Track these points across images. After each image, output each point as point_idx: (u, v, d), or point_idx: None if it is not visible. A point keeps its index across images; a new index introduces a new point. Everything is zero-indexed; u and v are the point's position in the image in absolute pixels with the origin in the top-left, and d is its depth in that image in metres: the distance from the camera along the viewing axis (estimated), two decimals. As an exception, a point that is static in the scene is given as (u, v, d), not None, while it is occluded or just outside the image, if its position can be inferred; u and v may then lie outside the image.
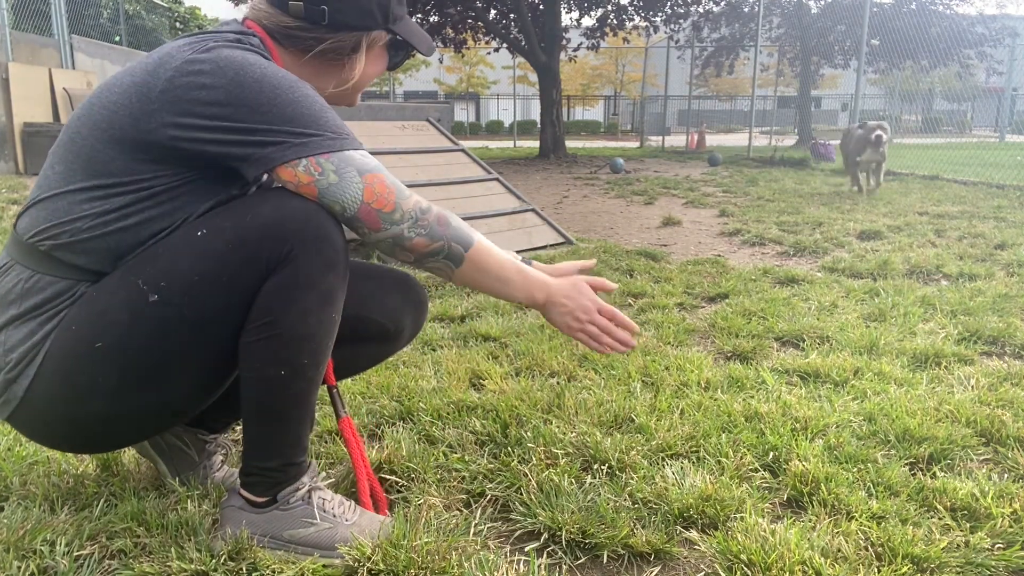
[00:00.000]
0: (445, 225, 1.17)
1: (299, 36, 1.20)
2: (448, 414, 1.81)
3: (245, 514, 1.20)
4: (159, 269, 1.07)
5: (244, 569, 1.15)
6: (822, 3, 18.26)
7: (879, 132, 6.76)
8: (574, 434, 1.67)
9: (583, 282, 1.27)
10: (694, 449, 1.62)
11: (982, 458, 1.62)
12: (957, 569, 1.20)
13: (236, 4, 14.10)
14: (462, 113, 36.40)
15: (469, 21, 15.86)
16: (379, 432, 1.75)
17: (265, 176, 1.15)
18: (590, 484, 1.46)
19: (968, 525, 1.32)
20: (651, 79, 24.24)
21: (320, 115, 1.10)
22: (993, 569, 1.21)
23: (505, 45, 16.02)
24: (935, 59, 12.69)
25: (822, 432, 1.71)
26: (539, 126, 16.28)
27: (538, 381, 2.06)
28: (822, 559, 1.19)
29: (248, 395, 1.14)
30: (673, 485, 1.43)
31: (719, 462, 1.55)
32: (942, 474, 1.52)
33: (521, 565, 1.23)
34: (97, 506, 1.33)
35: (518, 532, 1.33)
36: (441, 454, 1.58)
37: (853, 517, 1.34)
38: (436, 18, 15.39)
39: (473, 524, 1.32)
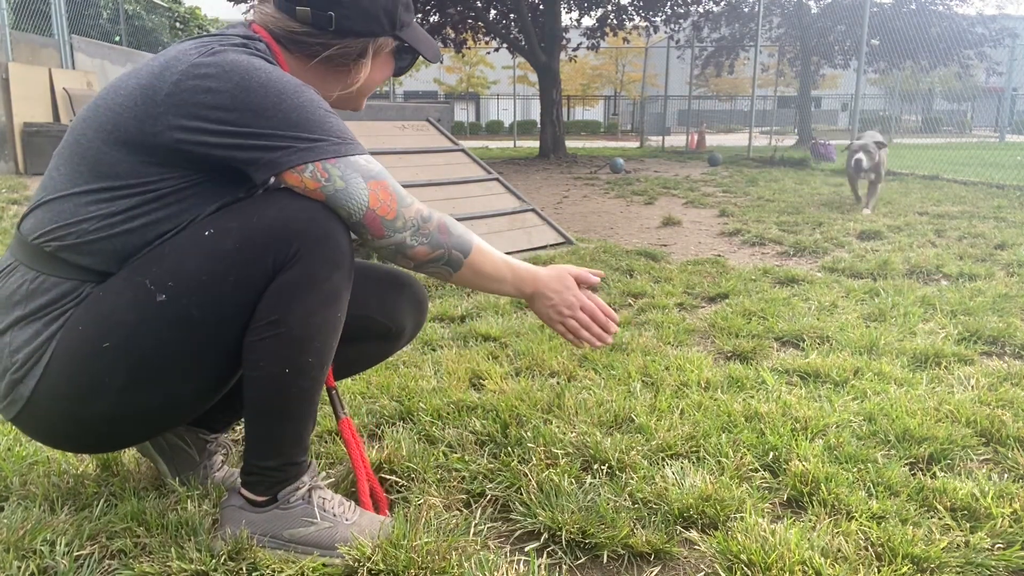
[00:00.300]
0: (446, 233, 1.19)
1: (305, 42, 1.20)
2: (448, 414, 1.81)
3: (245, 513, 1.20)
4: (166, 269, 1.07)
5: (244, 569, 1.15)
6: (822, 3, 18.27)
7: (859, 157, 5.79)
8: (574, 434, 1.67)
9: (569, 276, 1.30)
10: (694, 449, 1.62)
11: (982, 458, 1.62)
12: (957, 569, 1.20)
13: (235, 3, 14.11)
14: (462, 113, 36.39)
15: (469, 21, 15.86)
16: (379, 432, 1.75)
17: (272, 179, 1.16)
18: (590, 484, 1.46)
19: (968, 525, 1.32)
20: (651, 79, 24.24)
21: (324, 120, 1.10)
22: (993, 569, 1.21)
23: (505, 45, 16.03)
24: (935, 59, 12.70)
25: (822, 432, 1.71)
26: (539, 126, 16.28)
27: (538, 381, 2.06)
28: (822, 559, 1.19)
29: (251, 394, 1.14)
30: (673, 485, 1.43)
31: (719, 462, 1.55)
32: (942, 474, 1.52)
33: (521, 565, 1.23)
34: (97, 506, 1.33)
35: (518, 532, 1.33)
36: (441, 454, 1.58)
37: (853, 517, 1.34)
38: (436, 18, 15.39)
39: (473, 524, 1.32)
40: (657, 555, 1.27)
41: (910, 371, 2.16)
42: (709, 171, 10.78)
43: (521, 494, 1.42)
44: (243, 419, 1.25)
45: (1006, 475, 1.52)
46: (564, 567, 1.24)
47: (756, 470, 1.53)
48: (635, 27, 17.41)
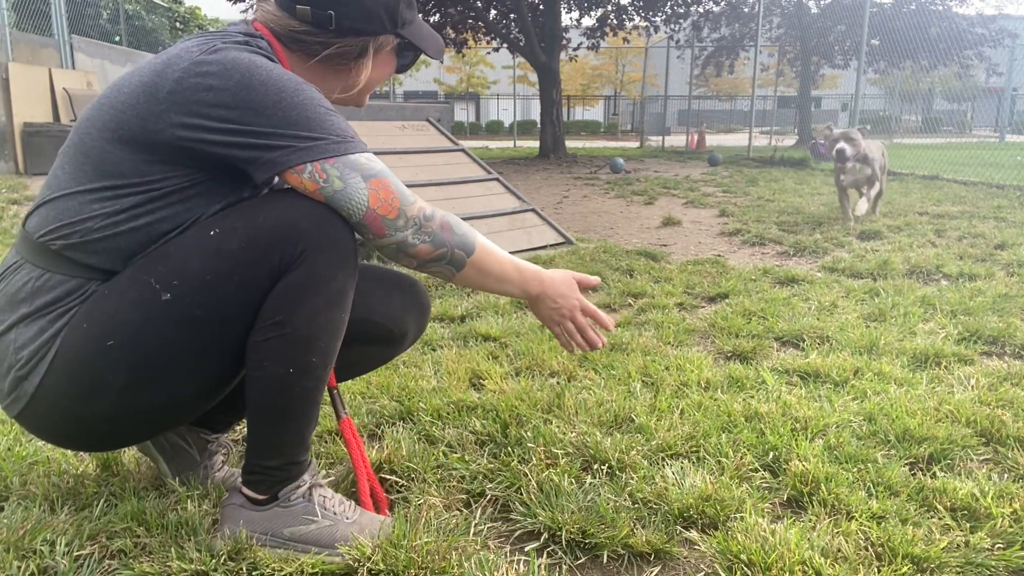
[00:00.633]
0: (449, 231, 1.18)
1: (306, 40, 1.20)
2: (448, 414, 1.81)
3: (245, 512, 1.20)
4: (171, 268, 1.07)
5: (244, 569, 1.15)
6: (822, 3, 18.27)
7: (841, 146, 4.84)
8: (574, 434, 1.67)
9: (573, 279, 1.32)
10: (694, 449, 1.62)
11: (982, 458, 1.62)
12: (957, 569, 1.20)
13: (234, 3, 14.12)
14: (462, 113, 36.39)
15: (469, 21, 15.86)
16: (379, 432, 1.75)
17: (276, 178, 1.16)
18: (590, 484, 1.46)
19: (968, 525, 1.32)
20: (651, 79, 24.25)
21: (325, 118, 1.10)
22: (993, 569, 1.21)
23: (505, 45, 16.02)
24: (935, 59, 12.71)
25: (822, 432, 1.71)
26: (539, 126, 16.29)
27: (538, 381, 2.06)
28: (822, 559, 1.19)
29: (254, 394, 1.14)
30: (673, 485, 1.43)
31: (719, 462, 1.55)
32: (942, 474, 1.52)
33: (521, 565, 1.23)
34: (97, 506, 1.33)
35: (518, 532, 1.33)
36: (441, 454, 1.58)
37: (853, 517, 1.34)
38: (437, 18, 15.40)
39: (473, 524, 1.32)
40: (657, 555, 1.27)
41: (910, 371, 2.16)
42: (709, 171, 10.78)
43: (521, 494, 1.42)
44: (245, 418, 1.25)
45: (1006, 475, 1.53)
46: (564, 567, 1.24)
47: (756, 470, 1.53)
48: (635, 27, 17.41)
